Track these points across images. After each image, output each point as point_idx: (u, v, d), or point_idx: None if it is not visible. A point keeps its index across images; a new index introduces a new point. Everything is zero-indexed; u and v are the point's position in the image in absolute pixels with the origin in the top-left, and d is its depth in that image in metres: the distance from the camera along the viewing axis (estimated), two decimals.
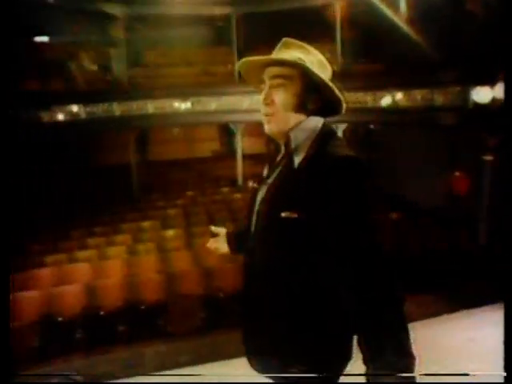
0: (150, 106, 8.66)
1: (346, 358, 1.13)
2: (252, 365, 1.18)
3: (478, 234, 6.57)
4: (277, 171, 1.12)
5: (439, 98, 6.99)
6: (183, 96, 8.79)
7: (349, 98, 8.78)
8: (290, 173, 1.06)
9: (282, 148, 1.13)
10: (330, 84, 1.09)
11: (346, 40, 10.20)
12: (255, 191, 1.17)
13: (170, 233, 6.78)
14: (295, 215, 1.00)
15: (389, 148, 9.82)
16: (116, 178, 9.26)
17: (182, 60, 10.95)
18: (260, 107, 1.11)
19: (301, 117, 1.09)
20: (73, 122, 8.19)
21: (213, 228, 1.57)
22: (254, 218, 1.13)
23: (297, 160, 1.06)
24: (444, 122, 6.95)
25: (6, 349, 1.25)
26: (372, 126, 10.72)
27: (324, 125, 1.11)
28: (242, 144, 9.59)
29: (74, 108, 8.17)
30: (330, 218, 0.97)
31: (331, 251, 0.98)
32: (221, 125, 10.95)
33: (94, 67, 10.35)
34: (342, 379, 1.41)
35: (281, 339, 1.10)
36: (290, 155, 1.08)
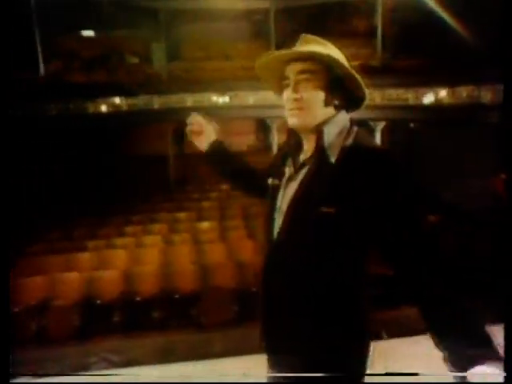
0: (189, 100, 8.79)
1: (366, 358, 1.11)
2: (271, 365, 1.16)
3: None
4: (307, 167, 1.10)
5: (487, 95, 6.67)
6: (221, 90, 8.86)
7: (389, 95, 8.55)
8: (326, 168, 1.05)
9: (308, 143, 1.11)
10: (358, 76, 1.07)
11: (387, 34, 9.92)
12: (277, 188, 1.15)
13: (205, 225, 6.86)
14: (333, 210, 1.00)
15: (429, 147, 9.48)
16: (153, 169, 9.48)
17: (220, 54, 11.04)
18: (287, 102, 1.09)
19: (329, 111, 1.09)
20: (115, 113, 8.45)
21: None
22: (280, 215, 1.11)
23: (332, 155, 1.05)
24: (491, 121, 6.63)
25: (5, 349, 1.32)
26: (412, 125, 10.38)
27: (351, 120, 1.12)
28: (278, 139, 9.55)
29: (117, 100, 8.42)
30: (374, 212, 0.97)
31: (368, 245, 1.02)
32: (257, 119, 10.95)
33: (136, 60, 10.62)
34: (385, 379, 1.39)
35: (305, 338, 1.08)
36: (323, 150, 1.07)
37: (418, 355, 3.32)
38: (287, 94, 1.08)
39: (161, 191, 8.86)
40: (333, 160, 1.04)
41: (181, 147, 10.99)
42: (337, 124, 1.08)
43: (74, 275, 4.74)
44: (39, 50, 8.54)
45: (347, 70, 1.06)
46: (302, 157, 1.12)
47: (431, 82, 7.98)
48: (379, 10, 9.62)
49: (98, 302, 4.41)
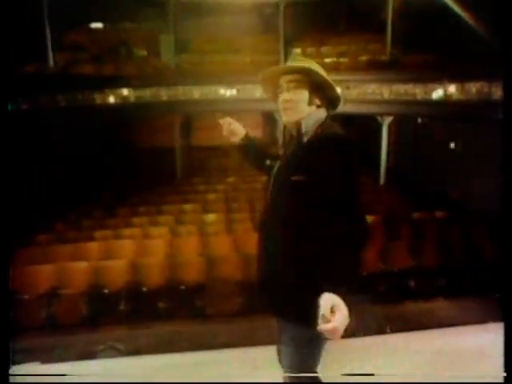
0: (196, 92, 8.78)
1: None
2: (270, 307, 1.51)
3: None
4: (289, 149, 1.47)
5: (497, 92, 6.59)
6: (229, 83, 8.84)
7: (397, 90, 8.48)
8: (299, 148, 1.41)
9: (294, 133, 1.47)
10: (332, 83, 1.46)
11: (397, 29, 9.82)
12: (271, 167, 1.52)
13: (211, 217, 6.90)
14: (302, 178, 1.34)
15: (437, 143, 9.42)
16: (160, 161, 9.53)
17: (228, 47, 11.00)
18: (280, 104, 1.46)
19: (311, 109, 1.45)
20: (123, 105, 8.48)
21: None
22: (271, 185, 1.47)
23: (305, 139, 1.41)
24: (501, 117, 6.55)
25: (5, 349, 1.38)
26: (419, 120, 10.31)
27: (327, 116, 1.48)
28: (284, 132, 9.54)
29: (125, 91, 8.45)
30: (325, 178, 1.30)
31: (326, 203, 1.30)
32: (264, 113, 10.93)
33: (144, 53, 10.62)
34: (342, 379, 1.42)
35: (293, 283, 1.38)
36: (300, 136, 1.43)
37: (421, 350, 3.34)
38: (281, 97, 1.46)
39: (167, 183, 8.92)
40: (304, 142, 1.41)
41: (187, 139, 11.03)
42: (313, 117, 1.44)
43: (82, 264, 4.81)
44: (48, 42, 8.56)
45: (323, 78, 1.45)
46: (291, 143, 1.49)
47: (440, 78, 7.89)
48: (390, 4, 9.50)
49: (106, 291, 4.48)
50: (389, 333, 3.94)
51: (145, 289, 4.68)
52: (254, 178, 9.63)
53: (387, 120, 9.47)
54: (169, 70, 9.51)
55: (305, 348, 1.44)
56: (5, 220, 1.46)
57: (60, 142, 8.16)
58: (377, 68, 9.56)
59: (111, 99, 8.27)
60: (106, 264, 4.85)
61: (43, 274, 4.53)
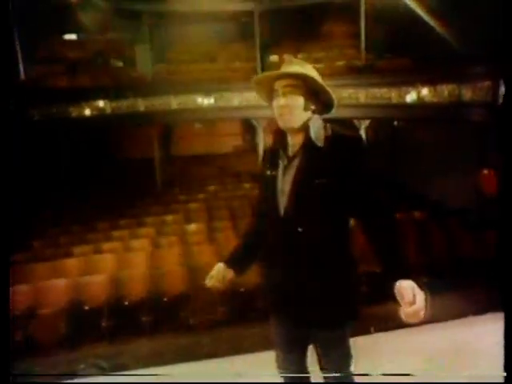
0: (173, 102, 8.75)
1: (356, 313, 1.51)
2: (282, 319, 1.55)
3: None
4: (299, 156, 1.45)
5: (467, 93, 6.79)
6: (206, 91, 8.84)
7: (373, 94, 8.64)
8: (316, 153, 1.42)
9: (293, 139, 1.48)
10: (327, 88, 1.48)
11: (371, 34, 10.02)
12: (274, 177, 1.50)
13: (193, 227, 6.85)
14: (325, 181, 1.38)
15: (413, 145, 9.62)
16: (140, 172, 9.43)
17: (205, 56, 11.02)
18: (276, 109, 1.47)
19: (308, 115, 1.47)
20: (99, 117, 8.38)
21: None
22: (283, 195, 1.45)
23: (319, 142, 1.43)
24: (472, 118, 6.75)
25: (5, 349, 1.35)
26: (396, 123, 10.51)
27: (324, 119, 1.52)
28: (264, 139, 9.58)
29: (100, 103, 8.35)
30: (353, 178, 1.38)
31: (351, 201, 1.39)
32: (243, 120, 10.97)
33: (120, 64, 10.54)
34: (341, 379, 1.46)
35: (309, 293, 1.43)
36: (310, 141, 1.44)
37: (405, 349, 3.38)
38: (276, 102, 1.46)
39: (148, 194, 8.82)
40: (320, 145, 1.43)
41: (167, 149, 10.96)
42: (316, 121, 1.47)
43: (60, 282, 4.69)
44: (19, 54, 8.38)
45: (319, 84, 1.47)
46: (292, 150, 1.48)
47: (414, 81, 8.08)
48: (362, 11, 9.70)
49: (86, 307, 4.37)
50: (372, 333, 3.97)
51: (127, 303, 4.60)
52: (235, 186, 9.64)
53: (364, 123, 9.63)
54: (145, 80, 9.46)
55: (344, 348, 1.52)
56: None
57: (35, 156, 7.99)
58: (352, 73, 9.73)
59: (87, 111, 8.17)
60: (86, 280, 4.75)
61: (19, 295, 4.38)
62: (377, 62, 9.85)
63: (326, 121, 1.51)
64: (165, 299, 4.73)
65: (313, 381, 1.71)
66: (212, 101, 8.77)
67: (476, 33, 7.15)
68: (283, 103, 1.44)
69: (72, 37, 11.31)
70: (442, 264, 5.70)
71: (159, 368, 3.97)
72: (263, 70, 9.62)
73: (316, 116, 1.49)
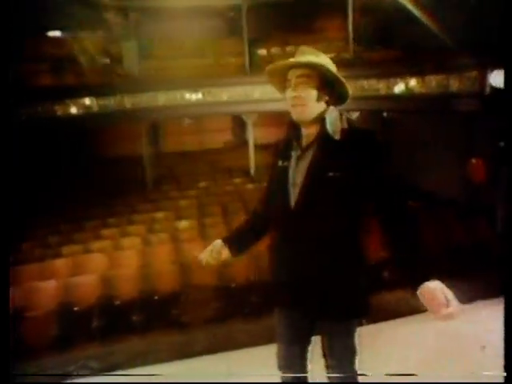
0: (161, 98, 8.64)
1: (367, 308, 1.50)
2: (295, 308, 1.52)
3: (496, 222, 6.43)
4: (313, 147, 1.43)
5: (455, 84, 6.81)
6: (194, 87, 8.76)
7: (361, 86, 8.63)
8: (332, 145, 1.40)
9: (307, 131, 1.46)
10: (342, 78, 1.44)
11: (359, 27, 10.00)
12: (286, 168, 1.47)
13: (184, 224, 6.81)
14: (341, 174, 1.36)
15: (403, 136, 9.64)
16: (129, 170, 9.34)
17: (192, 52, 10.90)
18: (289, 100, 1.44)
19: (322, 106, 1.44)
20: (85, 115, 8.26)
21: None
22: (295, 187, 1.43)
23: (335, 135, 1.41)
24: (460, 108, 6.77)
25: (5, 349, 1.34)
26: (385, 114, 10.52)
27: (339, 111, 1.49)
28: (254, 134, 9.54)
29: (87, 101, 8.23)
30: (369, 172, 1.36)
31: (367, 194, 1.38)
32: (233, 115, 10.91)
33: (106, 60, 10.38)
34: (342, 379, 1.45)
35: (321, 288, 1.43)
36: (326, 133, 1.42)
37: (399, 338, 3.39)
38: (289, 93, 1.44)
39: (137, 192, 8.75)
40: (337, 138, 1.40)
41: (156, 146, 10.86)
42: (332, 114, 1.44)
43: (49, 283, 4.63)
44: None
45: (333, 74, 1.43)
46: (305, 141, 1.46)
47: (402, 72, 8.08)
48: (350, 3, 9.66)
49: (76, 308, 4.32)
50: (365, 324, 3.99)
51: (118, 302, 4.55)
52: (226, 182, 9.59)
53: (354, 115, 9.61)
54: (132, 76, 9.33)
55: (350, 341, 1.51)
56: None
57: (22, 155, 7.86)
58: (341, 65, 9.60)
59: (73, 110, 8.05)
60: (76, 280, 4.69)
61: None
62: (365, 54, 9.83)
63: (341, 113, 1.49)
64: (156, 297, 4.69)
65: (313, 381, 1.70)
66: (200, 96, 8.69)
67: (463, 24, 7.16)
68: (296, 94, 1.42)
69: (57, 34, 11.11)
70: (435, 253, 5.73)
71: (152, 367, 3.96)
72: (251, 64, 9.54)
73: (332, 107, 1.46)
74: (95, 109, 8.31)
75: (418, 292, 1.25)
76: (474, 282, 5.09)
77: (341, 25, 10.77)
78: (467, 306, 4.45)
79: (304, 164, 1.43)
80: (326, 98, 1.45)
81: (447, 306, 1.21)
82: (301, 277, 1.45)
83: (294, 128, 1.50)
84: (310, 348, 1.63)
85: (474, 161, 7.43)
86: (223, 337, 4.62)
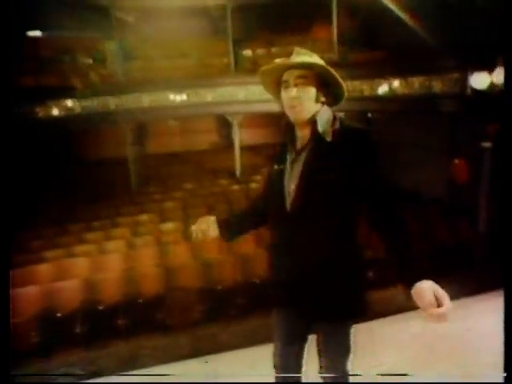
0: (145, 99, 8.57)
1: (364, 308, 1.50)
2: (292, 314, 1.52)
3: (478, 222, 6.55)
4: (307, 150, 1.42)
5: (437, 85, 6.91)
6: (178, 88, 8.70)
7: (346, 87, 8.68)
8: (324, 147, 1.39)
9: (302, 132, 1.45)
10: (339, 78, 1.44)
11: (343, 28, 10.06)
12: (282, 172, 1.48)
13: (169, 226, 6.76)
14: (334, 176, 1.35)
15: (387, 136, 9.73)
16: (113, 172, 9.24)
17: (177, 52, 10.83)
18: (287, 101, 1.43)
19: (318, 106, 1.44)
20: (68, 117, 8.13)
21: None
22: (290, 191, 1.44)
23: (327, 137, 1.40)
24: (442, 109, 6.88)
25: (5, 349, 1.36)
26: (369, 115, 10.62)
27: (334, 112, 1.49)
28: (240, 135, 9.52)
29: (69, 102, 8.10)
30: (363, 172, 1.34)
31: (361, 194, 1.37)
32: (218, 116, 10.87)
33: (89, 61, 10.25)
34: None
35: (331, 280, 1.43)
36: (318, 134, 1.41)
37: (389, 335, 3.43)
38: (288, 93, 1.42)
39: (122, 194, 8.65)
40: (328, 139, 1.39)
41: (141, 148, 10.75)
42: (324, 115, 1.44)
43: (32, 289, 4.55)
44: None
45: (332, 75, 1.43)
46: (300, 143, 1.46)
47: (385, 74, 8.16)
48: (334, 4, 9.71)
49: (59, 314, 4.26)
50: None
51: (101, 307, 4.50)
52: (212, 183, 9.56)
53: (338, 116, 9.66)
54: (116, 77, 9.22)
55: (345, 340, 1.50)
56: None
57: (2, 157, 7.69)
58: None
59: (55, 111, 7.91)
60: (59, 285, 4.62)
61: None
62: (350, 55, 9.89)
63: (335, 113, 1.49)
64: (140, 301, 4.66)
65: (306, 381, 1.72)
66: (185, 97, 8.64)
67: (445, 25, 7.28)
68: (295, 94, 1.41)
69: (36, 33, 10.91)
70: (419, 252, 5.80)
71: (136, 372, 3.93)
72: (236, 65, 9.52)
73: (324, 108, 1.46)
74: (78, 110, 8.19)
75: (412, 291, 1.25)
76: (457, 281, 5.18)
77: (325, 26, 10.82)
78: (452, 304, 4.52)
79: (298, 167, 1.44)
80: (323, 98, 1.45)
81: (438, 306, 1.20)
82: (297, 277, 1.45)
83: (290, 130, 1.50)
84: (306, 348, 1.65)
85: (456, 161, 7.55)
86: (208, 339, 4.61)
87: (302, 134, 1.46)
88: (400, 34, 8.61)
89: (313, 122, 1.42)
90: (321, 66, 1.42)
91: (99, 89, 8.67)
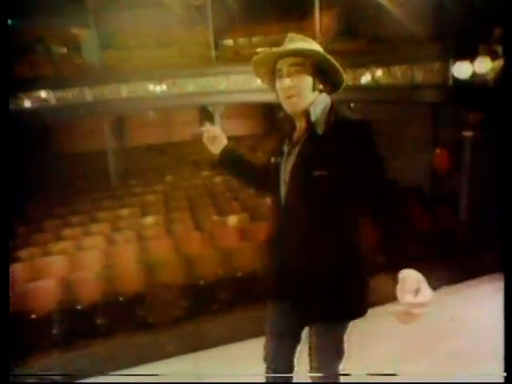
0: (124, 90, 8.30)
1: (364, 309, 1.42)
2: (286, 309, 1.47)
3: (459, 211, 6.60)
4: (301, 142, 1.35)
5: (419, 75, 6.88)
6: (158, 78, 8.46)
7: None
8: (316, 140, 1.31)
9: (299, 123, 1.38)
10: (337, 64, 1.34)
11: (325, 17, 9.95)
12: (277, 165, 1.42)
13: (150, 220, 6.60)
14: (325, 172, 1.27)
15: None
16: (92, 166, 8.98)
17: (156, 41, 10.56)
18: (282, 91, 1.34)
19: (315, 96, 1.34)
20: (42, 109, 7.81)
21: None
22: (284, 185, 1.38)
23: (319, 129, 1.31)
24: (424, 99, 6.87)
25: (5, 349, 1.30)
26: (352, 105, 10.59)
27: (332, 101, 1.38)
28: (222, 126, 9.36)
29: (42, 94, 7.78)
30: (359, 167, 1.26)
31: (357, 191, 1.28)
32: (200, 107, 10.68)
33: (64, 50, 9.87)
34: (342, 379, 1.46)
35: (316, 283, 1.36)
36: (311, 126, 1.33)
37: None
38: (282, 83, 1.33)
39: (102, 188, 8.42)
40: (320, 132, 1.31)
41: (121, 140, 10.49)
42: (319, 104, 1.34)
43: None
44: None
45: (329, 61, 1.33)
46: (296, 135, 1.39)
47: (368, 63, 8.11)
48: None
49: (33, 316, 4.09)
50: None
51: (79, 307, 4.35)
52: (193, 175, 9.41)
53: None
54: (92, 67, 8.91)
55: (339, 341, 1.43)
56: None
57: None
58: None
59: (27, 103, 7.58)
60: (33, 286, 4.43)
61: None
62: (331, 45, 9.80)
63: (332, 102, 1.38)
64: (121, 299, 4.53)
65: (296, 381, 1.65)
66: (165, 88, 8.41)
67: (427, 15, 7.25)
68: (290, 84, 1.32)
69: (8, 22, 10.44)
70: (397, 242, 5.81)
71: (120, 371, 3.81)
72: (217, 55, 9.32)
73: (321, 97, 1.36)
74: (52, 102, 7.87)
75: (399, 274, 1.18)
76: (438, 269, 5.22)
77: (308, 15, 10.69)
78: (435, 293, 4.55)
79: (291, 160, 1.38)
80: (320, 86, 1.36)
81: (415, 295, 1.12)
82: (291, 272, 1.40)
83: (288, 121, 1.42)
84: (298, 346, 1.56)
85: (438, 150, 7.59)
86: (192, 336, 4.53)
87: (300, 126, 1.39)
88: (382, 24, 8.56)
89: (306, 112, 1.34)
90: (315, 52, 1.32)
91: (74, 79, 8.35)
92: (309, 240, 1.35)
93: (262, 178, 1.58)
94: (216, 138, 1.60)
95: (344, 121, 1.32)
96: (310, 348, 1.48)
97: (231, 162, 1.63)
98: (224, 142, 1.61)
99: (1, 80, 1.45)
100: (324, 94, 1.37)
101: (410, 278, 1.15)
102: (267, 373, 1.56)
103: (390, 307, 1.17)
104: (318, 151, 1.30)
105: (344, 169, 1.27)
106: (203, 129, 1.63)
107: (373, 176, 1.28)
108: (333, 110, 1.35)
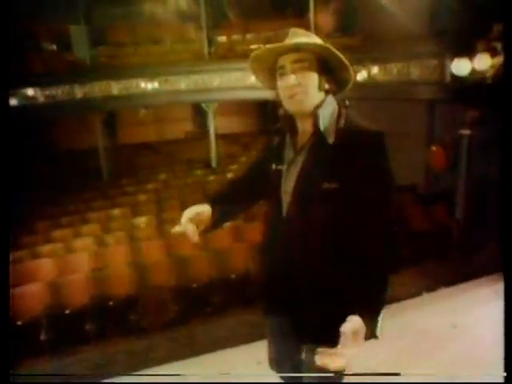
0: (115, 87, 8.13)
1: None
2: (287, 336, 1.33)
3: (455, 209, 6.55)
4: (306, 149, 1.23)
5: (415, 72, 6.81)
6: (149, 75, 8.30)
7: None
8: (325, 149, 1.18)
9: (303, 126, 1.25)
10: (345, 60, 1.23)
11: (320, 14, 9.85)
12: (280, 172, 1.28)
13: (141, 220, 6.46)
14: (335, 186, 1.15)
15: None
16: (82, 164, 8.81)
17: (148, 38, 10.37)
18: (285, 90, 1.21)
19: (321, 96, 1.23)
20: (30, 107, 7.62)
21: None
22: (286, 195, 1.25)
23: (329, 137, 1.19)
24: (421, 96, 6.79)
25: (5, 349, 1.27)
26: (347, 102, 10.51)
27: (339, 104, 1.26)
28: (215, 124, 9.23)
29: (30, 91, 7.58)
30: (366, 186, 1.15)
31: (363, 214, 1.15)
32: (193, 105, 10.53)
33: (53, 47, 9.66)
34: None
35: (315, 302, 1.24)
36: (320, 133, 1.20)
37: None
38: (285, 81, 1.21)
39: (92, 188, 8.26)
40: (330, 141, 1.18)
41: (112, 138, 10.31)
42: (328, 107, 1.22)
43: None
44: None
45: (336, 57, 1.21)
46: (300, 140, 1.26)
47: (364, 60, 8.02)
48: None
49: (19, 322, 3.94)
50: None
51: (68, 311, 4.22)
52: (186, 173, 9.27)
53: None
54: (82, 64, 8.72)
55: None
56: None
57: None
58: None
59: (13, 101, 7.39)
60: (20, 290, 4.28)
61: None
62: (327, 41, 9.69)
63: (341, 105, 1.26)
64: (111, 303, 4.40)
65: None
66: (156, 85, 8.24)
67: (424, 12, 7.16)
68: (295, 82, 1.19)
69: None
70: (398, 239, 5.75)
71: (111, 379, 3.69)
72: (210, 51, 9.17)
73: (329, 99, 1.24)
74: (41, 100, 7.68)
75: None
76: (434, 270, 5.15)
77: (303, 12, 10.58)
78: (430, 295, 4.48)
79: (295, 169, 1.25)
80: (326, 85, 1.24)
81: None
82: (286, 287, 1.28)
83: (289, 123, 1.28)
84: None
85: (434, 148, 7.51)
86: (185, 340, 4.42)
87: (304, 129, 1.26)
88: (378, 20, 8.46)
89: (315, 115, 1.21)
90: (322, 47, 1.20)
91: (64, 76, 8.16)
92: (309, 255, 1.24)
93: (256, 197, 1.48)
94: (195, 234, 1.35)
95: (356, 129, 1.20)
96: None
97: (224, 216, 1.48)
98: (205, 218, 1.40)
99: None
100: (330, 96, 1.26)
101: (351, 326, 1.07)
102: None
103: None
104: (326, 162, 1.18)
105: (355, 184, 1.15)
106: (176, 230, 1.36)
107: (378, 200, 1.17)
108: (341, 115, 1.23)
